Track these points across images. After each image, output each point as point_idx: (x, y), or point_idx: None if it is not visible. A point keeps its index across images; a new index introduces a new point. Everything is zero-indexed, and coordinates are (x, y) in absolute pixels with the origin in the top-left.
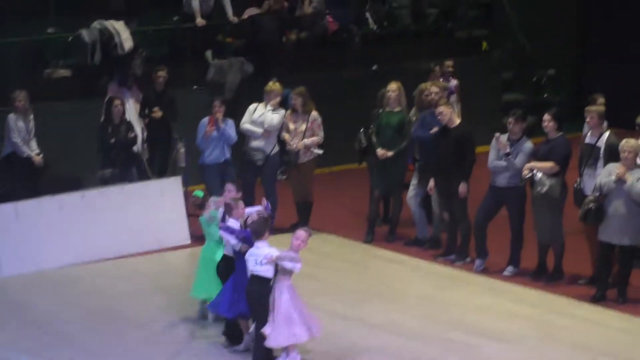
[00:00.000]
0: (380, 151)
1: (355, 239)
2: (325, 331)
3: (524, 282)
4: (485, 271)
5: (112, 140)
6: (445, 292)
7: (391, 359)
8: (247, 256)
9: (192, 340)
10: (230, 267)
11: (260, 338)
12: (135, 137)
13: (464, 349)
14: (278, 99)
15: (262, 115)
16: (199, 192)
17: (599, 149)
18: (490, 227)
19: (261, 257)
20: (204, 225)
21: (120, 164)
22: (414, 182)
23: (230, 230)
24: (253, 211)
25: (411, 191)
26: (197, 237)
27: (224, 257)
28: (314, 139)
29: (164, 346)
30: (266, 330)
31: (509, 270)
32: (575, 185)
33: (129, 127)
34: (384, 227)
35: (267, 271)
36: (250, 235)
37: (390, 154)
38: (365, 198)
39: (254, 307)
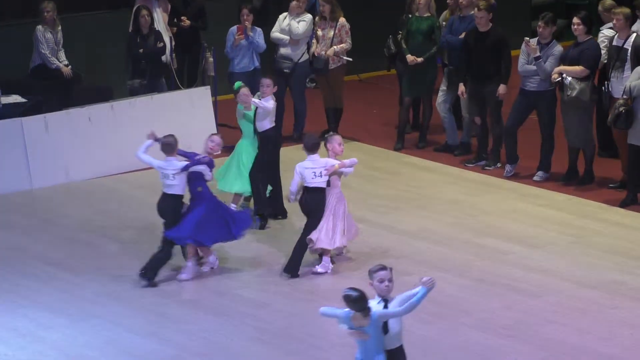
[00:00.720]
0: (410, 57)
1: (385, 146)
2: (358, 239)
3: (555, 187)
4: (515, 176)
5: (141, 50)
6: (476, 198)
7: (422, 264)
8: (301, 170)
9: (221, 249)
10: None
11: (303, 246)
12: (164, 46)
13: (494, 254)
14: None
15: (289, 24)
16: (237, 83)
17: (627, 50)
18: (520, 132)
19: (320, 169)
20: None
21: (149, 74)
22: (443, 87)
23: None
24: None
25: (440, 97)
26: (227, 147)
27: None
28: (343, 45)
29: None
30: (313, 236)
31: (540, 175)
32: (603, 88)
33: (158, 36)
34: (413, 133)
35: (323, 182)
36: (211, 160)
37: (420, 60)
38: (394, 105)
39: (310, 216)
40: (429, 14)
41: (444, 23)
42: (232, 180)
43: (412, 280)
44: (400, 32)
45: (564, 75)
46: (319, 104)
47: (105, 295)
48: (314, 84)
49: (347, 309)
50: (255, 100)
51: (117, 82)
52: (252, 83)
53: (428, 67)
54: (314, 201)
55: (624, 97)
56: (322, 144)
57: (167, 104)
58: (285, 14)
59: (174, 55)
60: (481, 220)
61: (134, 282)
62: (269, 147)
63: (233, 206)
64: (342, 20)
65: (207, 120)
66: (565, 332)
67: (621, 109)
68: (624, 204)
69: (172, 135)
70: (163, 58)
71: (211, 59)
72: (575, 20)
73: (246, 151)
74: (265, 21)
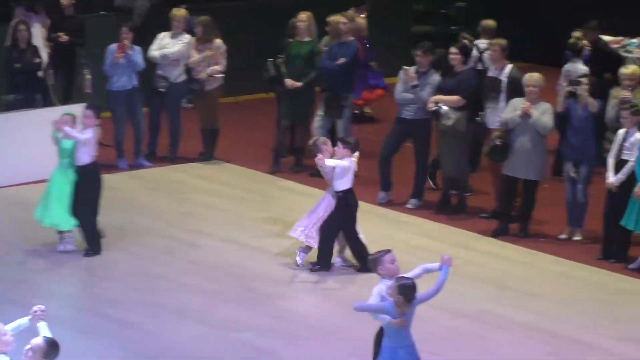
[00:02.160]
0: (289, 81)
1: (260, 169)
2: (230, 261)
3: (427, 215)
4: (389, 203)
5: (17, 65)
6: None
7: (294, 288)
8: (351, 171)
9: (93, 267)
10: None
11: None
12: (41, 62)
13: (366, 280)
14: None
15: (167, 43)
16: (67, 112)
17: (501, 82)
18: (394, 159)
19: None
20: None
21: (25, 89)
22: (320, 112)
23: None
24: None
25: (317, 121)
26: (102, 165)
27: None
28: (216, 68)
29: (63, 273)
30: None
31: (413, 202)
32: (479, 118)
33: (35, 51)
34: (289, 157)
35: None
36: None
37: (298, 84)
38: (272, 128)
39: (354, 214)
40: (310, 39)
41: (325, 48)
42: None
43: (285, 304)
44: (280, 55)
45: (440, 104)
46: (195, 124)
47: None
48: (191, 104)
49: (386, 300)
50: (67, 129)
51: None
52: (130, 101)
53: (306, 92)
54: (355, 199)
55: (500, 128)
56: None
57: (43, 119)
58: (164, 33)
59: (50, 71)
60: None
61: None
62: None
63: None
64: (218, 41)
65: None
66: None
67: (497, 141)
68: (495, 234)
69: None
70: (39, 73)
71: (88, 76)
72: (453, 50)
73: (56, 181)
74: (144, 39)
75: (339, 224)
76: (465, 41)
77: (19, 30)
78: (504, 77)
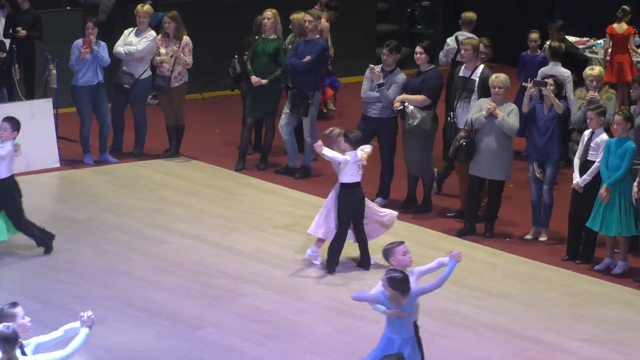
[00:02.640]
0: (254, 78)
1: (226, 166)
2: (195, 258)
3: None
4: None
5: None
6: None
7: (258, 286)
8: (351, 165)
9: (60, 263)
10: None
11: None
12: (7, 57)
13: (330, 279)
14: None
15: (133, 40)
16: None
17: (474, 81)
18: None
19: (359, 162)
20: None
21: None
22: (286, 110)
23: None
24: None
25: (283, 119)
26: (67, 161)
27: None
28: (187, 60)
29: (30, 268)
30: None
31: (378, 201)
32: (449, 119)
33: (1, 46)
34: (255, 154)
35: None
36: None
37: (264, 81)
38: (237, 125)
39: (359, 209)
40: (275, 36)
41: (289, 46)
42: None
43: (247, 301)
44: (246, 52)
45: (406, 103)
46: (161, 121)
47: None
48: (156, 101)
49: (380, 291)
50: None
51: None
52: (95, 97)
53: (272, 89)
54: (361, 194)
55: (465, 128)
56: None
57: (7, 114)
58: (130, 29)
59: (16, 65)
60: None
61: None
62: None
63: None
64: (185, 38)
65: (48, 132)
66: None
67: (462, 141)
68: (461, 234)
69: None
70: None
71: (54, 71)
72: (418, 49)
73: None
74: (110, 35)
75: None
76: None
77: None
78: (475, 76)
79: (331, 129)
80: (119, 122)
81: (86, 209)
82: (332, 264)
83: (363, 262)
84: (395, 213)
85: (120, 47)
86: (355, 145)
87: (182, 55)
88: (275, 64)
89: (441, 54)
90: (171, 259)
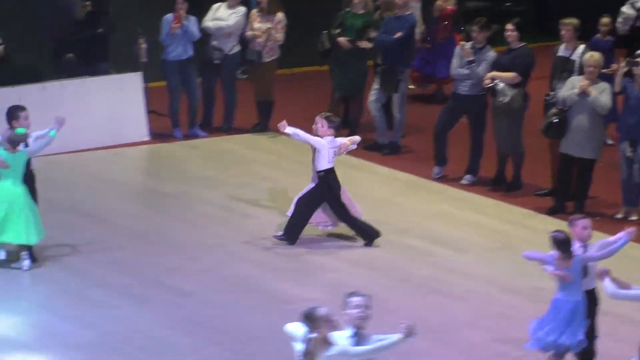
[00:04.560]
0: (342, 39)
1: None
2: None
3: (482, 191)
4: (443, 179)
5: (78, 33)
6: (402, 198)
7: (348, 263)
8: (325, 150)
9: (150, 235)
10: None
11: (351, 216)
12: (102, 31)
13: (418, 255)
14: None
15: (222, 14)
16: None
17: (574, 62)
18: (450, 135)
19: (336, 148)
20: None
21: (90, 57)
22: (375, 86)
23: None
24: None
25: (372, 95)
26: (157, 134)
27: None
28: (277, 36)
29: (120, 241)
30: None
31: (467, 178)
32: (548, 98)
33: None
34: (343, 130)
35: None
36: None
37: (348, 44)
38: (325, 101)
39: (335, 195)
40: (364, 11)
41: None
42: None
43: (335, 276)
44: (335, 27)
45: (496, 80)
46: (250, 96)
47: (29, 276)
48: (246, 75)
49: (551, 252)
50: None
51: (49, 63)
52: (185, 71)
53: (358, 65)
54: (336, 180)
55: (558, 107)
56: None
57: (98, 88)
58: (219, 4)
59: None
60: (407, 220)
61: (59, 263)
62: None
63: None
64: (279, 15)
65: (137, 107)
66: (487, 337)
67: (553, 118)
68: (551, 212)
69: None
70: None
71: (144, 45)
72: (509, 26)
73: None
74: (199, 9)
75: (317, 203)
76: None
77: None
78: (576, 56)
79: (322, 112)
80: (209, 97)
81: (175, 183)
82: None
83: (367, 237)
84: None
85: (209, 22)
86: (337, 129)
87: (274, 41)
88: (362, 40)
89: (618, 23)
90: (260, 233)
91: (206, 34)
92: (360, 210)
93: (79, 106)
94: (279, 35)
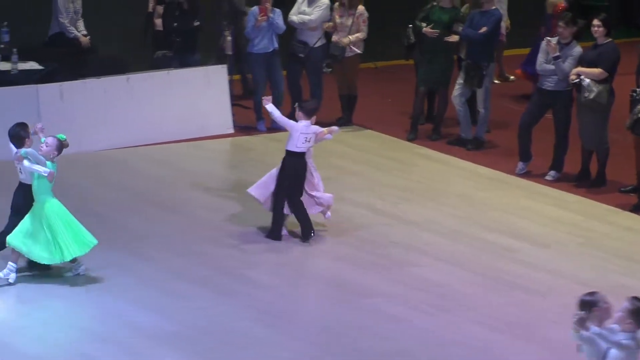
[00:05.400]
0: (427, 29)
1: (398, 136)
2: (365, 227)
3: (566, 187)
4: (527, 174)
5: (175, 25)
6: (485, 193)
7: (429, 256)
8: (296, 134)
9: (230, 227)
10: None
11: (302, 207)
12: (199, 24)
13: (500, 251)
14: None
15: (306, 8)
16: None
17: None
18: (534, 131)
19: (311, 135)
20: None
21: (182, 49)
22: (460, 80)
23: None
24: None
25: (457, 90)
26: (241, 127)
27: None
28: (358, 35)
29: (201, 233)
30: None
31: (552, 174)
32: (635, 94)
33: (194, 10)
34: (427, 125)
35: (307, 148)
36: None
37: (437, 32)
38: (410, 95)
39: (294, 180)
40: (451, 6)
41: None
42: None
43: (417, 271)
44: (420, 20)
45: (582, 76)
46: (334, 89)
47: (110, 267)
48: (330, 69)
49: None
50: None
51: (134, 55)
52: (270, 64)
53: (444, 59)
54: (300, 165)
55: None
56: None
57: (183, 79)
58: None
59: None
60: (489, 216)
61: (140, 255)
62: None
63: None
64: (361, 8)
65: (222, 99)
66: (568, 334)
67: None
68: (635, 209)
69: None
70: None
71: (229, 38)
72: (595, 22)
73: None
74: (284, 2)
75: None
76: None
77: None
78: None
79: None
80: (296, 91)
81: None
82: (275, 232)
83: (304, 233)
84: (330, 195)
85: (294, 16)
86: (308, 115)
87: (355, 38)
88: (449, 35)
89: None
90: (342, 227)
91: (291, 28)
92: (327, 204)
93: (164, 98)
94: (362, 30)
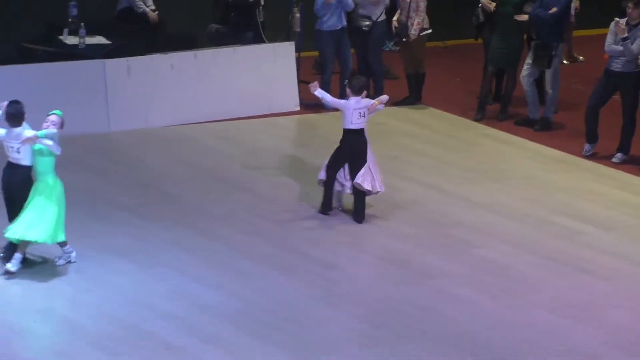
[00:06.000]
0: (485, 1)
1: (465, 116)
2: (430, 207)
3: (633, 170)
4: (594, 156)
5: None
6: (552, 175)
7: (494, 238)
8: (349, 111)
9: (295, 205)
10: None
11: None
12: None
13: (566, 233)
14: None
15: None
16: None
17: None
18: (601, 112)
19: (363, 109)
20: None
21: (236, 25)
22: (528, 61)
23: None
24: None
25: (525, 70)
26: (307, 105)
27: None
28: (415, 22)
29: (267, 211)
30: (366, 181)
31: (618, 157)
32: None
33: None
34: (494, 105)
35: (364, 122)
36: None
37: (491, 5)
38: (478, 75)
39: (353, 157)
40: None
41: None
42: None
43: (482, 253)
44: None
45: None
46: (402, 68)
47: (175, 244)
48: (398, 48)
49: None
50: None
51: (202, 31)
52: (338, 41)
53: (514, 38)
54: (358, 143)
55: None
56: None
57: (251, 56)
58: None
59: (260, 7)
60: (556, 198)
61: (205, 232)
62: None
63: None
64: None
65: (289, 76)
66: (633, 318)
67: None
68: None
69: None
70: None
71: (298, 15)
72: None
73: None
74: None
75: (338, 163)
76: None
77: None
78: None
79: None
80: (364, 64)
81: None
82: (325, 206)
83: (357, 214)
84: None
85: None
86: (357, 91)
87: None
88: (519, 14)
89: None
90: (407, 206)
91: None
92: (380, 184)
93: (230, 75)
94: (420, 8)
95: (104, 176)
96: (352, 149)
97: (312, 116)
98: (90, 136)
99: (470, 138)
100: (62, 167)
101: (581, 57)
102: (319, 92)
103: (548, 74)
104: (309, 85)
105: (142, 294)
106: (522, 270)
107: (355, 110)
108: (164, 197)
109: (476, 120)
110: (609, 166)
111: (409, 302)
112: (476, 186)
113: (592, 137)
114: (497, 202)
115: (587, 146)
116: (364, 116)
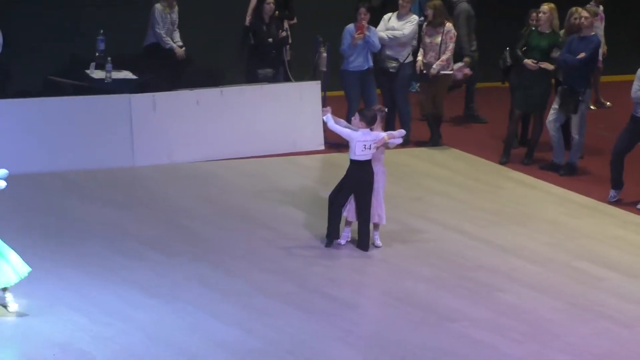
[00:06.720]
0: (528, 61)
1: (489, 158)
2: (453, 249)
3: None
4: (619, 202)
5: (270, 40)
6: (576, 220)
7: (516, 282)
8: (354, 142)
9: (316, 244)
10: None
11: (367, 221)
12: (287, 36)
13: (589, 279)
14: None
15: (395, 24)
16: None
17: None
18: (626, 158)
19: (370, 142)
20: None
21: (268, 64)
22: (555, 106)
23: None
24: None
25: (552, 115)
26: (332, 144)
27: None
28: (443, 57)
29: (288, 249)
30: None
31: None
32: None
33: (279, 25)
34: (520, 149)
35: (370, 154)
36: None
37: (535, 66)
38: (503, 118)
39: (357, 188)
40: (550, 31)
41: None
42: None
43: (504, 297)
44: (520, 46)
45: None
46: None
47: (195, 280)
48: (418, 88)
49: None
50: None
51: (228, 68)
52: (364, 82)
53: (542, 82)
54: (361, 174)
55: None
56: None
57: (277, 94)
58: (390, 14)
59: (287, 46)
60: (580, 243)
61: (225, 269)
62: None
63: None
64: (448, 25)
65: (315, 115)
66: None
67: None
68: None
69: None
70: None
71: (324, 54)
72: None
73: None
74: (374, 20)
75: (344, 194)
76: None
77: (267, 3)
78: None
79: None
80: (390, 105)
81: None
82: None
83: (361, 243)
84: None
85: (382, 32)
86: (368, 122)
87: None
88: (547, 60)
89: None
90: (429, 248)
91: None
92: (384, 216)
93: (256, 112)
94: (449, 48)
95: (127, 210)
96: (356, 180)
97: (335, 155)
98: (114, 170)
99: (494, 181)
100: (85, 200)
101: (608, 103)
102: (327, 118)
103: (575, 119)
104: (322, 109)
105: (161, 330)
106: (544, 315)
107: (360, 142)
108: (186, 233)
109: (501, 163)
110: (634, 212)
111: (429, 346)
112: (499, 229)
113: (617, 183)
114: (520, 246)
115: (612, 192)
116: (369, 149)
